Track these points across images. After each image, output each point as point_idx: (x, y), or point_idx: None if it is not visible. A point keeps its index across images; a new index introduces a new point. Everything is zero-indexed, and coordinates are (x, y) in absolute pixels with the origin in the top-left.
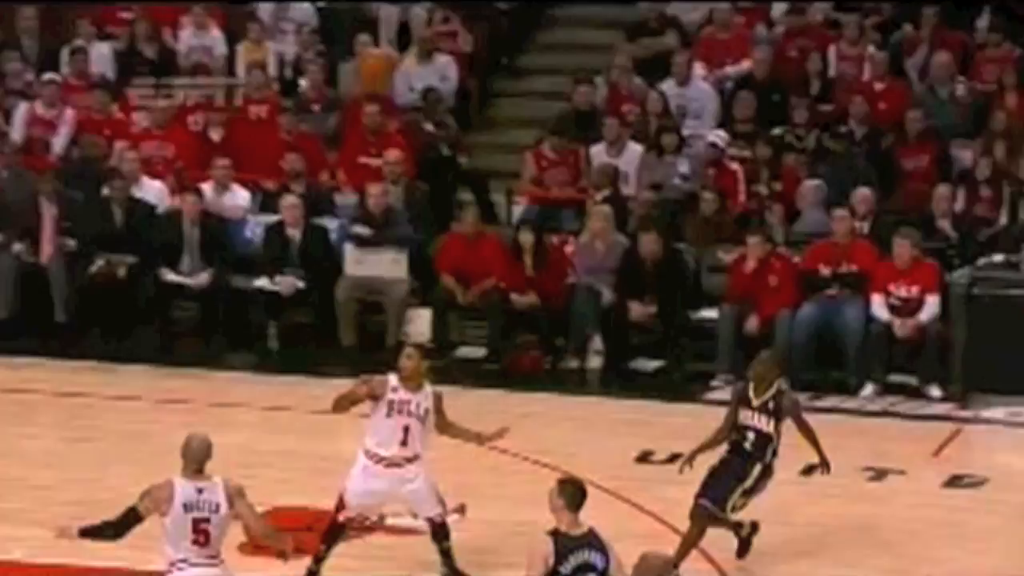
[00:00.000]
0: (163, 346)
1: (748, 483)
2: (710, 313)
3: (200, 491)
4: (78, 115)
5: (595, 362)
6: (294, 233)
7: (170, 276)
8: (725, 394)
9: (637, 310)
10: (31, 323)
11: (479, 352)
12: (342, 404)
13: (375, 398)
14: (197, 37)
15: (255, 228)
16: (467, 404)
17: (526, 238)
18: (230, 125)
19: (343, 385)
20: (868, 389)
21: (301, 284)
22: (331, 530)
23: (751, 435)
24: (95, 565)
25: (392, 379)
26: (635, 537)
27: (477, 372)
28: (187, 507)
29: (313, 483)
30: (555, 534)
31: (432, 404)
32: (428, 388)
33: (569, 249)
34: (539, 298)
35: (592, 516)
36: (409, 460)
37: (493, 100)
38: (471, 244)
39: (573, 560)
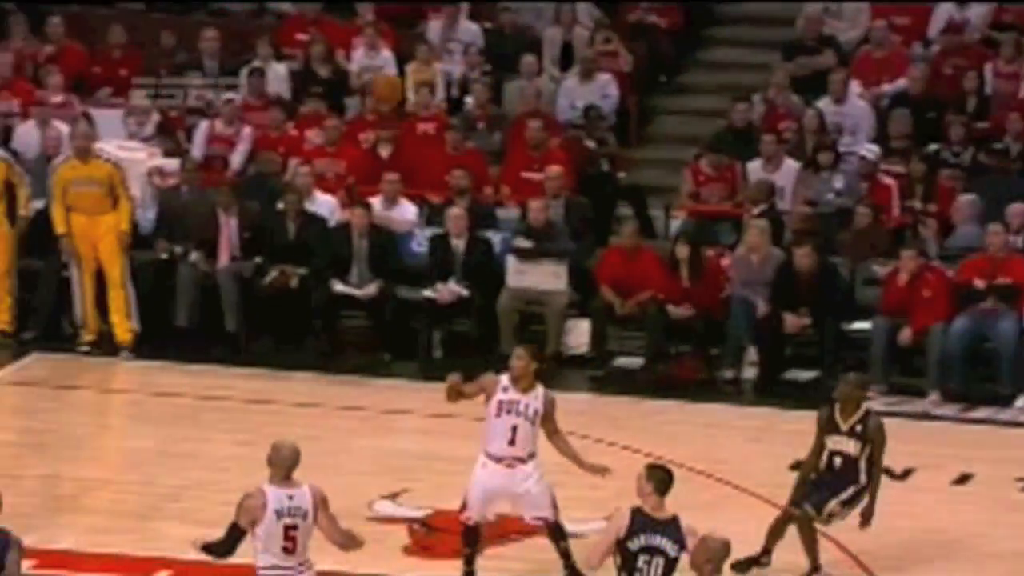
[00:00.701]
0: (332, 354)
1: (844, 496)
2: (864, 325)
3: (291, 497)
4: (255, 133)
5: (750, 373)
6: (458, 244)
7: (339, 287)
8: (878, 404)
9: (792, 322)
10: (208, 332)
11: (636, 362)
12: (451, 393)
13: (488, 397)
14: (368, 57)
15: (422, 241)
16: (624, 413)
17: (683, 251)
18: (399, 142)
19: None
20: (1021, 400)
21: (465, 292)
22: (465, 532)
23: (838, 460)
24: None
25: (504, 379)
26: (787, 541)
27: (634, 381)
28: (279, 514)
29: None
30: (636, 511)
31: (543, 407)
32: (540, 390)
33: (725, 262)
34: (695, 310)
35: (743, 520)
36: (521, 460)
37: (652, 117)
38: (630, 257)
39: (643, 539)
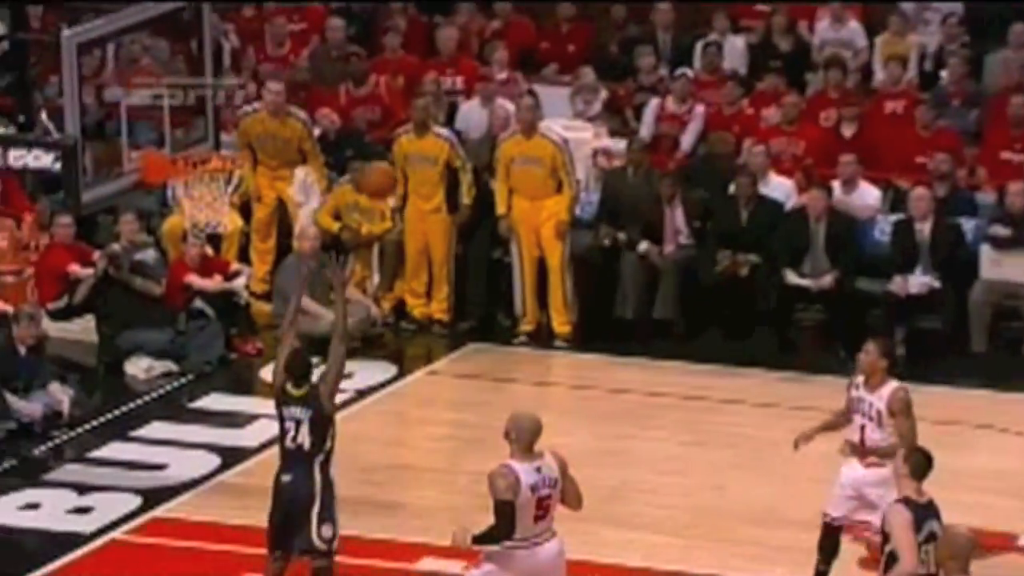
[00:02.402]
0: (782, 350)
1: None
2: None
3: (538, 470)
4: (708, 111)
5: None
6: (922, 229)
7: (793, 277)
8: None
9: None
10: (652, 324)
11: None
12: None
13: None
14: (834, 30)
15: (884, 228)
16: None
17: None
18: (863, 120)
19: (973, 396)
20: None
21: (936, 283)
22: (821, 537)
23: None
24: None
25: (860, 376)
26: None
27: None
28: (533, 488)
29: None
30: (907, 502)
31: (886, 407)
32: (886, 389)
33: None
34: None
35: None
36: (874, 465)
37: None
38: None
39: (925, 529)
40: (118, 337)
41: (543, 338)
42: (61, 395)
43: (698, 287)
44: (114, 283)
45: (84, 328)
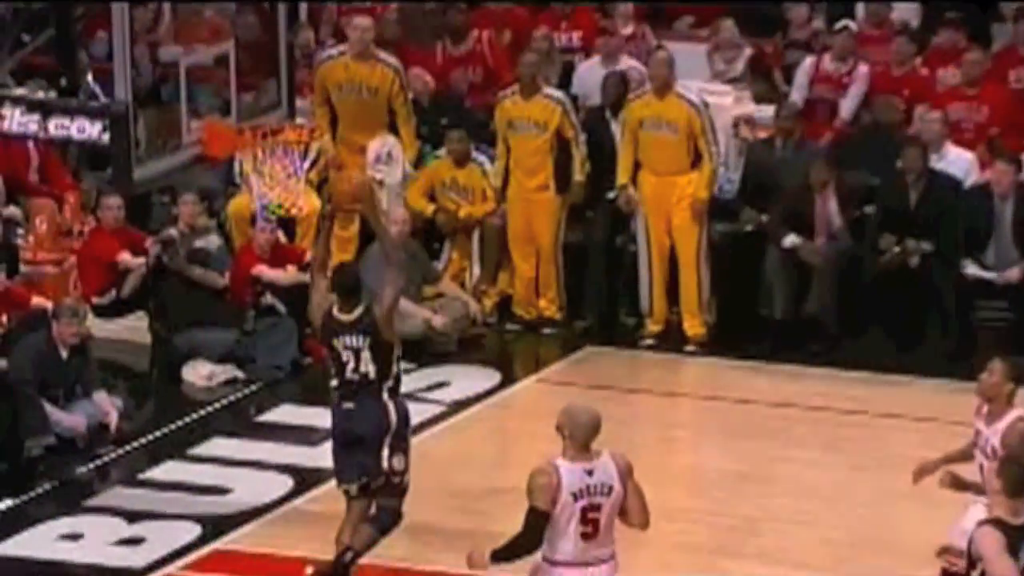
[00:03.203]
0: (959, 355)
1: None
2: None
3: (590, 472)
4: (872, 71)
5: None
6: None
7: (972, 269)
8: None
9: None
10: (802, 324)
11: None
12: None
13: None
14: None
15: None
16: None
17: None
18: None
19: None
20: None
21: None
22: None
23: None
24: None
25: (983, 405)
26: None
27: None
28: (577, 495)
29: None
30: (999, 523)
31: (999, 441)
32: (1007, 419)
33: None
34: None
35: None
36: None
37: None
38: None
39: (1021, 556)
40: (174, 338)
41: (673, 340)
42: (108, 406)
43: (857, 280)
44: (170, 274)
45: (134, 327)
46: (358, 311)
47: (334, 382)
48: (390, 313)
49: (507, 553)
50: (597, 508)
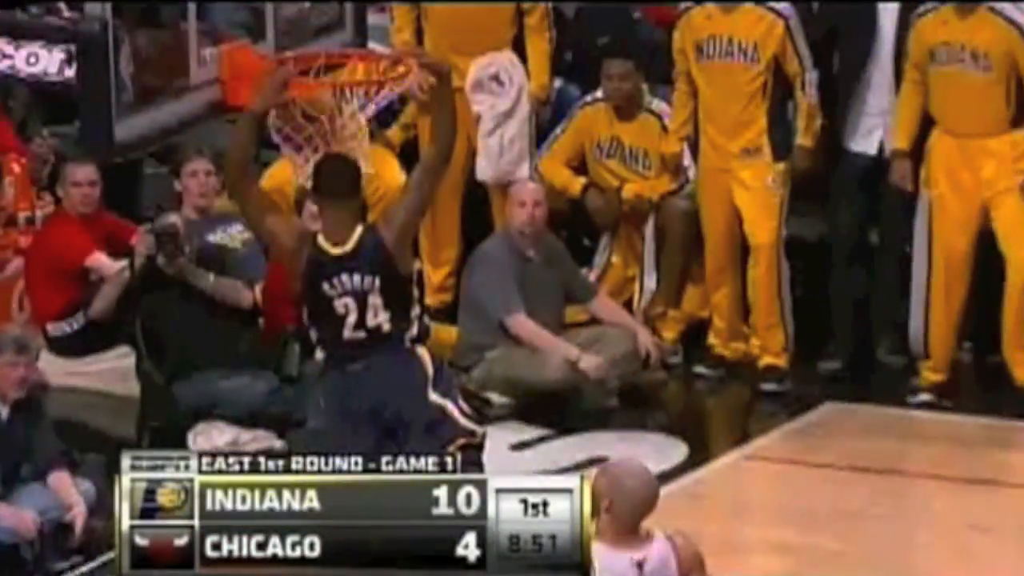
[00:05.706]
0: None
1: None
2: None
3: (639, 565)
4: None
5: None
6: None
7: None
8: None
9: None
10: None
11: None
12: None
13: None
14: None
15: None
16: None
17: None
18: None
19: None
20: None
21: None
22: None
23: None
24: None
25: None
26: None
27: None
28: None
29: None
30: None
31: None
32: None
33: None
34: None
35: None
36: None
37: None
38: None
39: None
40: (176, 386)
41: (965, 394)
42: (71, 494)
43: None
44: (168, 285)
45: (113, 369)
46: (356, 236)
47: (321, 350)
48: (407, 230)
49: None
50: None
